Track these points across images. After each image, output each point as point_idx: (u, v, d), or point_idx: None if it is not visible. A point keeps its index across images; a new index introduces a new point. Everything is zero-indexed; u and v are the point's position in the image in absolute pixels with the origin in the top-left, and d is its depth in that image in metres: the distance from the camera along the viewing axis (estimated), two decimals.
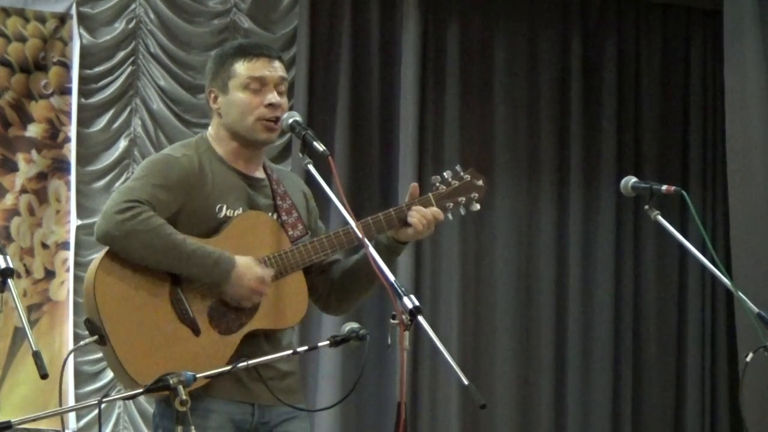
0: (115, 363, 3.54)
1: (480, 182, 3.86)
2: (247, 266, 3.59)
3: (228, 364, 3.50)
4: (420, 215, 3.73)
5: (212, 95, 3.77)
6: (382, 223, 3.73)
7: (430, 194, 3.80)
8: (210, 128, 3.80)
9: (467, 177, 3.84)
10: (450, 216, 3.85)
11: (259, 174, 3.78)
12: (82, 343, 3.77)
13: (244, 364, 3.33)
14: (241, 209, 3.68)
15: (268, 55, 3.76)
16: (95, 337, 3.53)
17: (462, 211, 3.85)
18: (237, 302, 3.60)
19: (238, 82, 3.72)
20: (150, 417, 6.93)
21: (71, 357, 6.82)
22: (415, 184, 3.82)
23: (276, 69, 3.74)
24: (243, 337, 3.61)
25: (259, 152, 3.79)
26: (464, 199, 3.83)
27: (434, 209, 3.76)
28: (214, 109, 3.77)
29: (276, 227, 3.70)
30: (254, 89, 3.71)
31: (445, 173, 3.84)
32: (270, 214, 3.73)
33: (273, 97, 3.70)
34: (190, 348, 3.56)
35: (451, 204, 3.82)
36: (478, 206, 3.85)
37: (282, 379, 3.69)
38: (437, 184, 3.83)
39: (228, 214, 3.66)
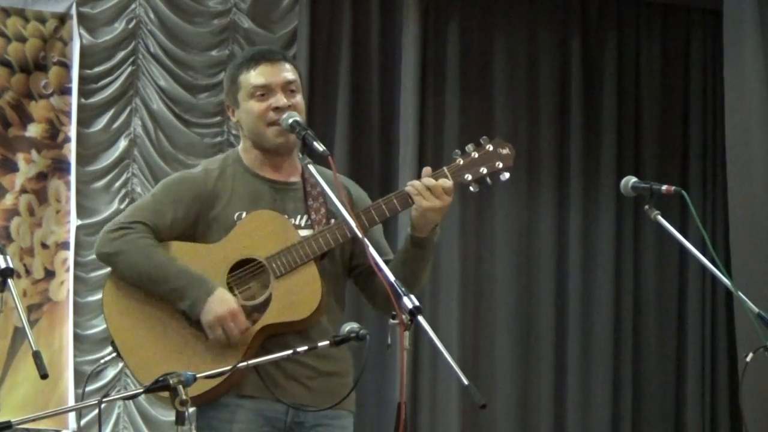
0: (130, 372, 3.64)
1: (506, 150, 3.71)
2: (225, 298, 3.57)
3: (243, 360, 3.49)
4: (412, 186, 3.60)
5: (230, 110, 3.83)
6: (382, 208, 3.64)
7: (444, 168, 3.67)
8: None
9: (490, 147, 3.71)
10: (473, 188, 3.68)
11: (293, 179, 3.77)
12: (102, 361, 3.89)
13: (244, 364, 3.33)
14: None
15: (270, 59, 3.75)
16: (113, 353, 3.64)
17: (489, 181, 3.68)
18: (206, 330, 3.58)
19: (245, 93, 3.74)
20: (149, 417, 6.98)
21: (71, 360, 6.82)
22: (427, 168, 3.68)
23: (280, 72, 3.74)
24: (269, 336, 3.59)
25: (286, 157, 3.77)
26: (486, 169, 3.68)
27: (439, 179, 3.60)
28: (234, 122, 3.83)
29: (284, 223, 3.68)
30: (261, 96, 3.72)
31: (467, 146, 3.71)
32: (300, 215, 3.71)
33: (279, 100, 3.70)
34: (201, 351, 3.57)
35: (470, 176, 3.67)
36: (507, 175, 3.69)
37: (321, 380, 3.65)
38: (456, 158, 3.69)
39: None
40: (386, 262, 3.65)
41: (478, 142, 3.72)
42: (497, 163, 3.69)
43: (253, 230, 3.65)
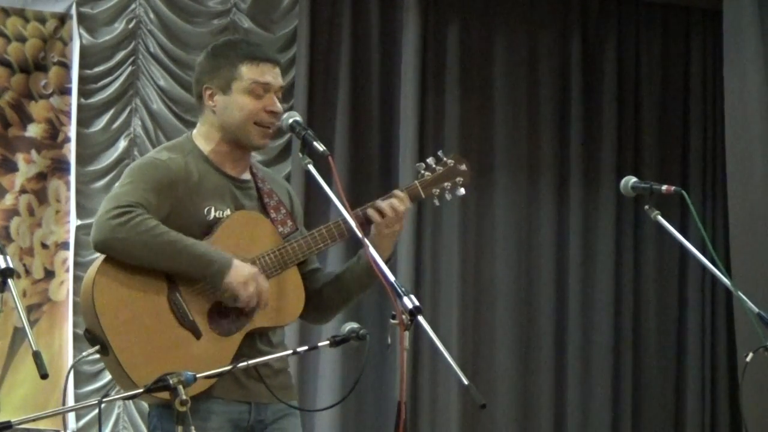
0: (119, 371, 3.52)
1: (463, 167, 3.85)
2: (245, 267, 3.58)
3: (230, 364, 3.50)
4: (373, 209, 3.70)
5: (209, 92, 3.73)
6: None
7: (416, 182, 3.80)
8: (198, 126, 3.78)
9: (451, 162, 3.84)
10: (437, 202, 3.86)
11: (246, 176, 3.78)
12: (84, 354, 3.78)
13: (245, 364, 3.33)
14: (228, 211, 3.67)
15: (274, 61, 3.77)
16: (97, 347, 3.52)
17: (448, 197, 3.84)
18: (232, 302, 3.57)
19: (243, 86, 3.69)
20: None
21: (71, 360, 6.82)
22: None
23: (278, 76, 3.75)
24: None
25: (248, 154, 3.78)
26: (449, 184, 3.83)
27: (391, 201, 3.71)
28: (209, 106, 3.73)
29: (269, 225, 3.70)
30: (257, 94, 3.69)
31: (428, 159, 3.84)
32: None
33: (275, 104, 3.71)
34: (192, 351, 3.55)
35: (438, 190, 3.82)
36: (462, 191, 3.84)
37: (276, 376, 3.70)
38: (422, 171, 3.83)
39: (217, 215, 3.65)
40: (316, 270, 3.82)
41: (438, 157, 3.86)
42: (457, 179, 3.85)
43: (239, 229, 3.65)
